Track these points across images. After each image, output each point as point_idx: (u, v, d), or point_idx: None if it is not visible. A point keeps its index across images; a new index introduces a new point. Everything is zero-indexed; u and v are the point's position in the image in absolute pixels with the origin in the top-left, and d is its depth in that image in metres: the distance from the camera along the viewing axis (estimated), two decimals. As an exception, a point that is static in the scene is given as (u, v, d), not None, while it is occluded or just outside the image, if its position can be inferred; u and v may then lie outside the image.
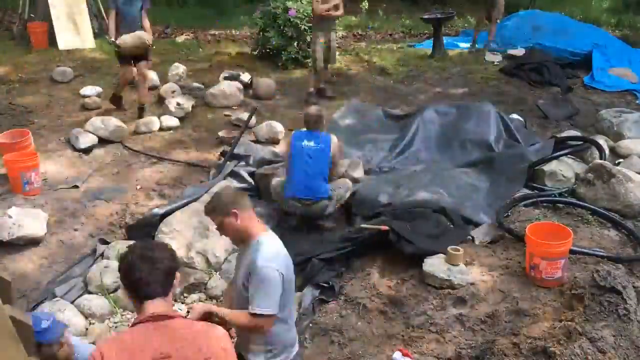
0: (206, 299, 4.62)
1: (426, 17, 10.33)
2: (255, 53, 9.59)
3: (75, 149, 6.37)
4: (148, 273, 2.15)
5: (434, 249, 4.43)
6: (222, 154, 6.22)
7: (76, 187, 5.69)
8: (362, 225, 4.79)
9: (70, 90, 7.87)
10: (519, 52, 9.39)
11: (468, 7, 12.91)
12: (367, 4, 12.61)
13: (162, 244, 2.39)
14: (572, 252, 4.28)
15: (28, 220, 4.84)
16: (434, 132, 6.60)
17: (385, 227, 4.62)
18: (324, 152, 5.10)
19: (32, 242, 4.81)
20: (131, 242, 4.80)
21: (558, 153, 5.88)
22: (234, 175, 5.80)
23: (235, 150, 6.03)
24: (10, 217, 4.79)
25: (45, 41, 9.32)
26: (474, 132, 6.45)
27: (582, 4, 13.76)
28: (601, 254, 4.30)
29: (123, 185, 5.79)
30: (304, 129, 5.26)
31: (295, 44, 9.00)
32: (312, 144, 5.08)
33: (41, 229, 4.87)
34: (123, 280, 2.23)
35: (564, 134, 6.68)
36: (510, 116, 6.99)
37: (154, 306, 2.15)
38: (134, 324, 2.19)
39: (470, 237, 4.84)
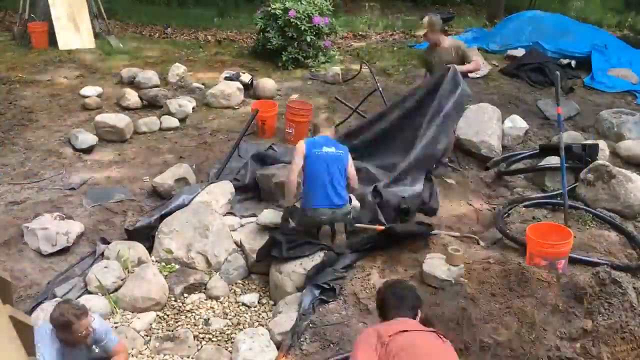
0: (206, 299, 4.62)
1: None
2: (256, 53, 9.60)
3: (75, 149, 6.37)
4: None
5: (427, 230, 4.74)
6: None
7: (73, 189, 5.68)
8: (357, 225, 4.77)
9: (70, 90, 7.87)
10: (519, 52, 9.39)
11: (468, 8, 12.89)
12: (367, 4, 12.62)
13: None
14: (574, 260, 4.28)
15: (28, 220, 4.84)
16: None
17: (381, 227, 4.64)
18: (342, 158, 4.74)
19: (32, 242, 4.79)
20: (131, 242, 4.84)
21: (539, 165, 5.95)
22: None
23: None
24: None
25: (45, 41, 9.33)
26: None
27: (582, 4, 13.75)
28: (605, 262, 4.25)
29: (123, 185, 5.78)
30: (318, 136, 4.84)
31: (296, 44, 9.01)
32: (332, 149, 4.68)
33: (41, 229, 4.86)
34: None
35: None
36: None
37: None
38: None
39: (476, 240, 4.85)
